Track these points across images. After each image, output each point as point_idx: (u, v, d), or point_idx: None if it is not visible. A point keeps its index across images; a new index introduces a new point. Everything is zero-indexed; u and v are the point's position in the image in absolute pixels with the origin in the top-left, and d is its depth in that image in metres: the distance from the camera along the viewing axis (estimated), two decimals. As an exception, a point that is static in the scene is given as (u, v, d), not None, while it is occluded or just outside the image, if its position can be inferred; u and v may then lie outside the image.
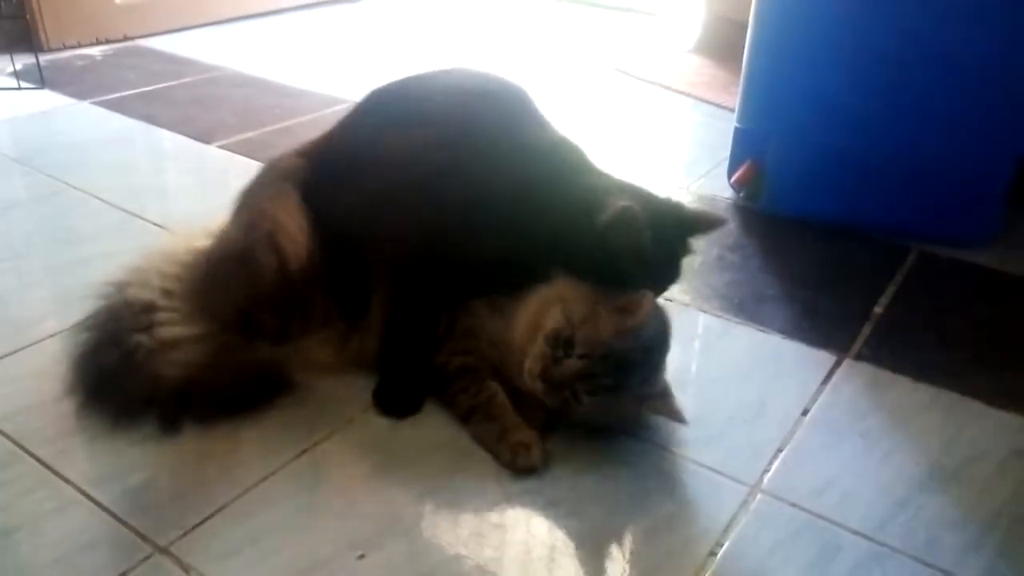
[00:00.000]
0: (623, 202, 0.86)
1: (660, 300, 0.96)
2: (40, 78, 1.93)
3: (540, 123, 1.00)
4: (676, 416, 0.85)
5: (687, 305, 1.14)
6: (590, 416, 0.85)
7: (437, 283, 0.93)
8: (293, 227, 0.94)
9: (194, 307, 0.94)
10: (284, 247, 0.93)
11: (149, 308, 0.94)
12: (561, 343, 0.83)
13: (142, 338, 0.90)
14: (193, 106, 1.84)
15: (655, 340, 0.86)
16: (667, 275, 0.94)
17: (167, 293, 0.96)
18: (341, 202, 0.96)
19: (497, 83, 1.02)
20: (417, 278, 0.94)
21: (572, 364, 0.83)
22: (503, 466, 0.84)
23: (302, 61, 2.24)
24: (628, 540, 0.77)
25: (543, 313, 0.87)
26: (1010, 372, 1.03)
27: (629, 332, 0.83)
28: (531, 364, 0.85)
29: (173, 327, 0.93)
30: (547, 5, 2.97)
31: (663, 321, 0.88)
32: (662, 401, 0.86)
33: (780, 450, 0.88)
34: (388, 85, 1.03)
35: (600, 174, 0.97)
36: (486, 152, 0.94)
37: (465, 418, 0.89)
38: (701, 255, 1.27)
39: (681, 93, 2.03)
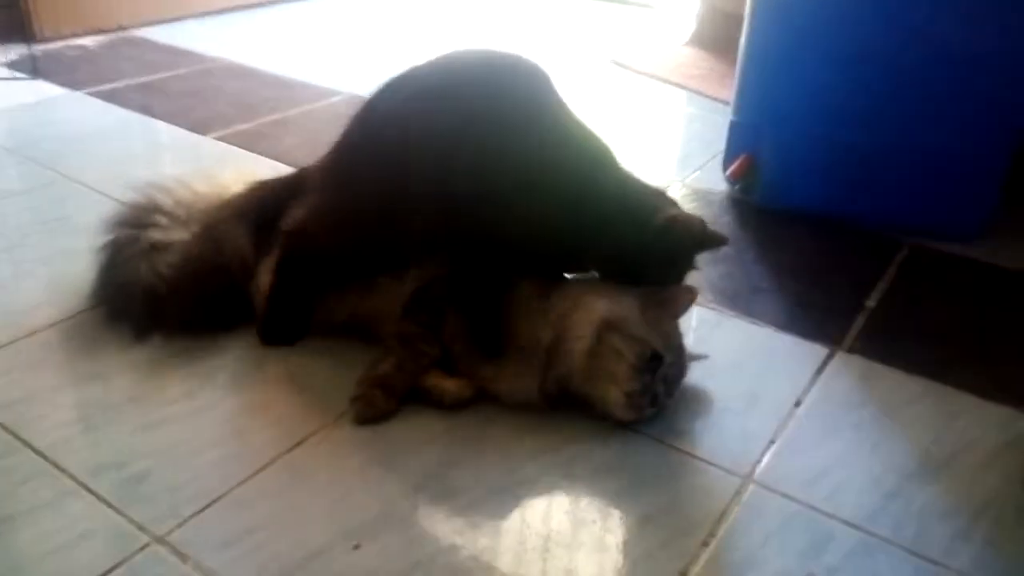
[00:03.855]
0: (676, 211, 0.91)
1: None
2: (34, 68, 1.92)
3: (563, 105, 0.97)
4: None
5: (681, 298, 1.14)
6: None
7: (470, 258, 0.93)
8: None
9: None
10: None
11: (156, 209, 1.01)
12: (647, 361, 0.85)
13: (135, 233, 0.98)
14: (189, 97, 1.84)
15: None
16: (677, 282, 0.96)
17: (179, 203, 1.04)
18: (367, 186, 0.94)
19: (520, 61, 0.97)
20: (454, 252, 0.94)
21: (672, 374, 0.87)
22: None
23: (299, 52, 2.24)
24: (621, 530, 0.78)
25: (598, 338, 0.86)
26: (1000, 365, 1.04)
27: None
28: (633, 400, 0.85)
29: (167, 231, 0.99)
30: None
31: None
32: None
33: (772, 441, 0.89)
34: (403, 72, 0.98)
35: (628, 173, 0.96)
36: (515, 128, 0.91)
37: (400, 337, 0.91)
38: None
39: (677, 86, 2.03)
